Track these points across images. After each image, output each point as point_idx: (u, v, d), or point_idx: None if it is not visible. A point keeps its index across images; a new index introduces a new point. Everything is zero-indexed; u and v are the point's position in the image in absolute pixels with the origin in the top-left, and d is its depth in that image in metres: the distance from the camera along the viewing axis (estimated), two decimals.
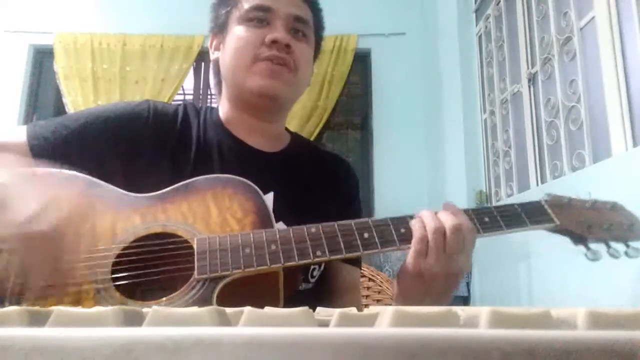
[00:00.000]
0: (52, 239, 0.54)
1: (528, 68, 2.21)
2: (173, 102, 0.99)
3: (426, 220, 0.60)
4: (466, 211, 0.63)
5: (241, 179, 0.64)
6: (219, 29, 0.81)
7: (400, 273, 0.64)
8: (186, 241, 0.58)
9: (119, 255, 0.57)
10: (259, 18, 0.76)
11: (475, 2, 2.84)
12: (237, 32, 0.76)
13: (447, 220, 0.59)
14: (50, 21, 3.32)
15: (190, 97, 3.57)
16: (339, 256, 0.58)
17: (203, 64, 3.43)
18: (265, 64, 0.74)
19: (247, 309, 0.23)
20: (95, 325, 0.22)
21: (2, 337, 0.18)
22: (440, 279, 0.59)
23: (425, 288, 0.60)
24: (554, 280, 1.69)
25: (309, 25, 0.80)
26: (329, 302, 0.79)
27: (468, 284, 2.47)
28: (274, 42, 0.73)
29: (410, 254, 0.59)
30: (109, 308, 0.23)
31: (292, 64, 0.75)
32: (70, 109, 3.14)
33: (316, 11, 0.83)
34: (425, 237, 0.58)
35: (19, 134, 0.70)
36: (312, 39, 0.82)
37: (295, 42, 0.76)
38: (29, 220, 0.52)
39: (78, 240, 0.58)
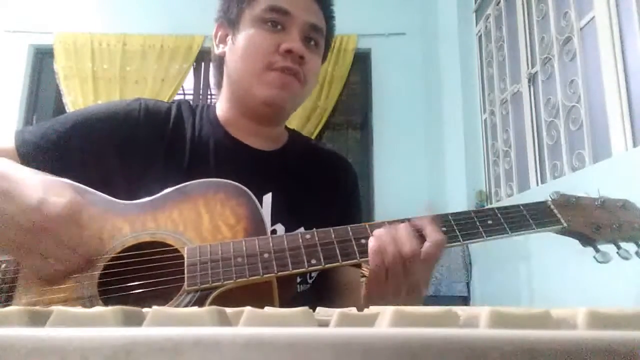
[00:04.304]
0: (37, 246, 0.52)
1: (528, 68, 2.21)
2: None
3: (383, 246, 0.57)
4: (468, 213, 0.60)
5: (234, 183, 0.61)
6: (229, 22, 0.78)
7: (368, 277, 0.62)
8: (176, 250, 0.56)
9: (107, 267, 0.55)
10: (275, 21, 0.73)
11: (475, 2, 2.84)
12: (250, 34, 0.73)
13: (407, 245, 0.56)
14: (50, 21, 3.32)
15: (190, 97, 3.57)
16: (334, 264, 0.56)
17: (203, 64, 3.43)
18: (276, 75, 0.72)
19: (247, 309, 0.23)
20: (95, 325, 0.22)
21: (2, 337, 0.18)
22: (404, 287, 0.57)
23: (392, 292, 0.58)
24: (554, 280, 1.69)
25: (322, 34, 0.78)
26: (330, 302, 0.78)
27: (468, 284, 2.47)
28: (289, 51, 0.71)
29: (369, 273, 0.58)
30: (109, 308, 0.23)
31: (301, 76, 0.74)
32: (70, 109, 3.14)
33: (330, 19, 0.81)
34: (383, 265, 0.56)
35: (7, 142, 0.68)
36: (323, 47, 0.80)
37: (308, 52, 0.74)
38: (14, 222, 0.51)
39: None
